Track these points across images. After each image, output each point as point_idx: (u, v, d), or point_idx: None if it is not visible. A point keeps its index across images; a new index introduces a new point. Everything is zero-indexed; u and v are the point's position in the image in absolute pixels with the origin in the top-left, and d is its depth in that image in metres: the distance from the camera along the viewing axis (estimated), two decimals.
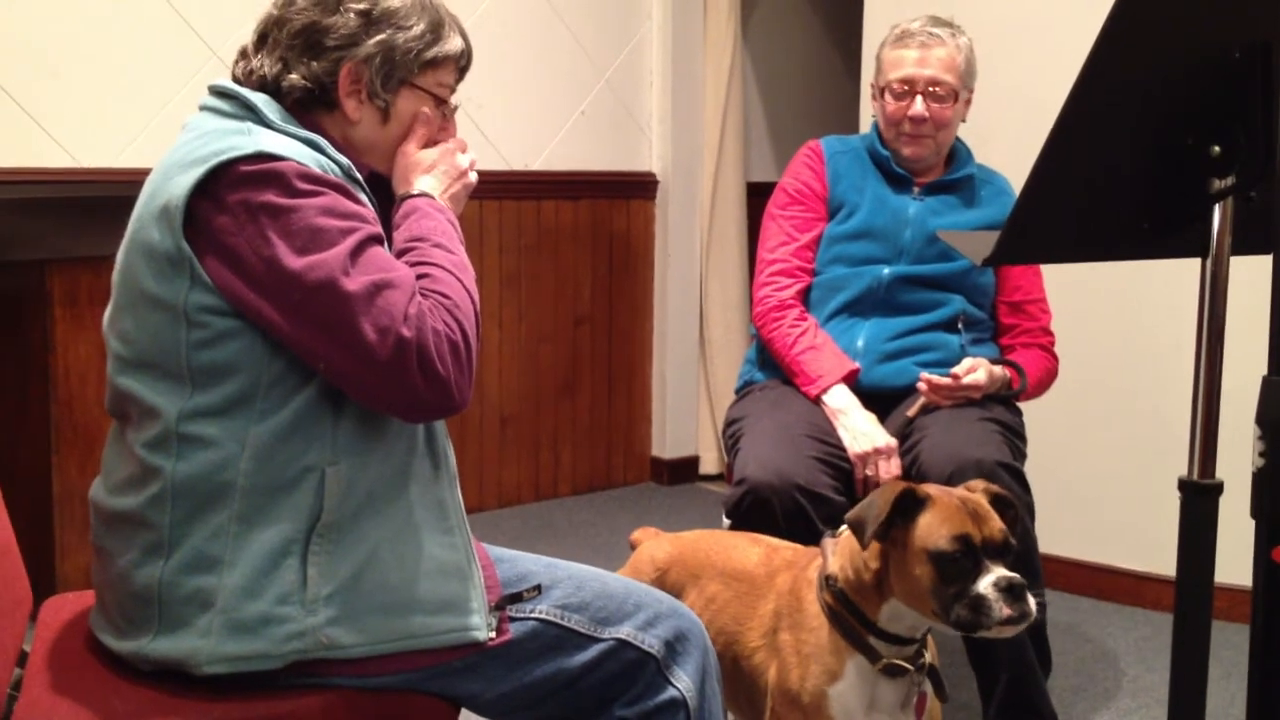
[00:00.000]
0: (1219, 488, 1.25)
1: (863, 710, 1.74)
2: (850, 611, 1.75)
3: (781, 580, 1.88)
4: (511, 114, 4.35)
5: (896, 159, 2.73)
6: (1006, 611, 1.62)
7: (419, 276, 1.46)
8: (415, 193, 1.60)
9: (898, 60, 2.65)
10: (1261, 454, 1.14)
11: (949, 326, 2.67)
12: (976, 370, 2.54)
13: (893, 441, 2.49)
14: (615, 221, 4.73)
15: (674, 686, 1.58)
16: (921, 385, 2.52)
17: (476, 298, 1.51)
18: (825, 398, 2.56)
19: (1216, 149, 1.37)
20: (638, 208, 4.78)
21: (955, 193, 2.73)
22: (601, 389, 4.75)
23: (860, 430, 2.50)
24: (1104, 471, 3.48)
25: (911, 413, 2.54)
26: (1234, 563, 1.71)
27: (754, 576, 1.93)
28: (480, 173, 1.72)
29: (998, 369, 2.59)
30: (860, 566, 1.74)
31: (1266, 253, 1.37)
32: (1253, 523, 1.20)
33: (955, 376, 2.53)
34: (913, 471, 2.46)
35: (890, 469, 2.47)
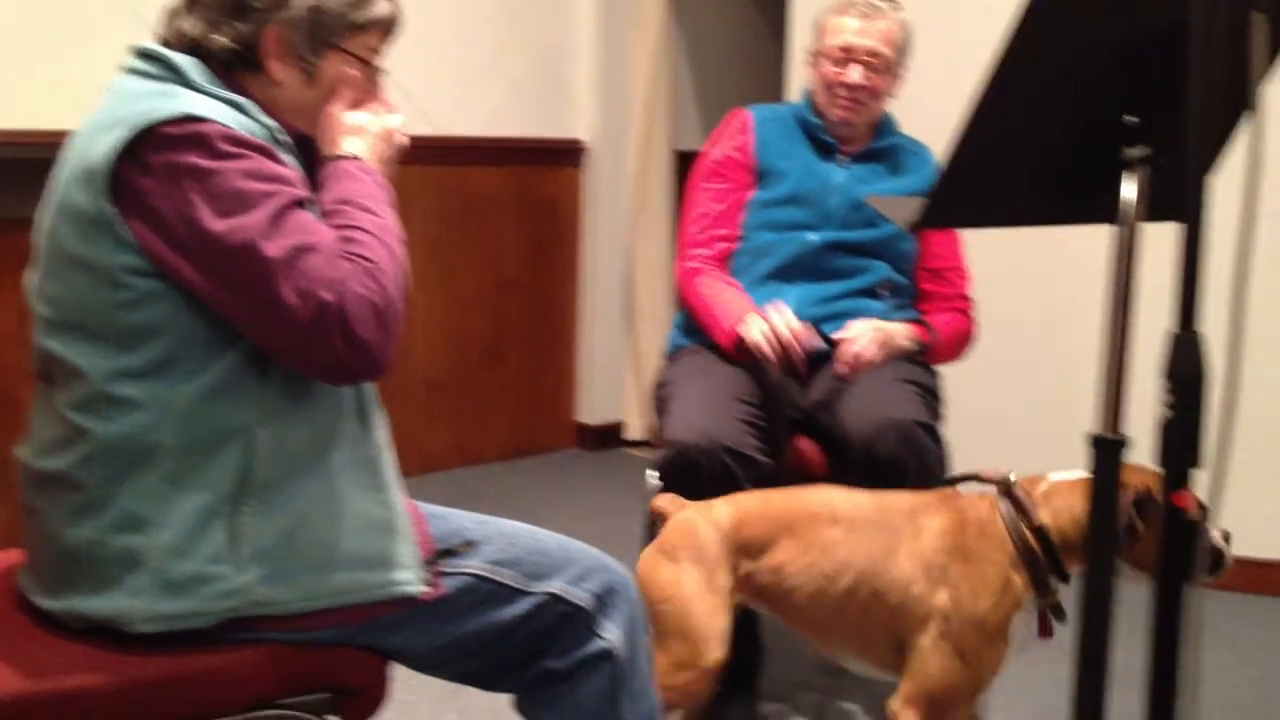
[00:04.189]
0: (1124, 442, 1.30)
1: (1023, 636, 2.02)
2: (1049, 557, 1.98)
3: (936, 520, 2.07)
4: (439, 79, 4.33)
5: (825, 127, 2.76)
6: (1229, 559, 1.92)
7: (343, 240, 1.47)
8: (341, 155, 1.60)
9: (839, 27, 2.69)
10: (1168, 405, 1.19)
11: (874, 293, 2.71)
12: (850, 331, 2.58)
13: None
14: (543, 188, 4.73)
15: (603, 638, 1.62)
16: (842, 369, 2.56)
17: (404, 261, 1.52)
18: (741, 330, 2.57)
19: (1132, 118, 1.42)
20: (565, 175, 4.78)
21: (881, 161, 2.78)
22: (528, 355, 4.76)
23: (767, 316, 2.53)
24: (1021, 431, 3.56)
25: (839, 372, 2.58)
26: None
27: (883, 520, 2.10)
28: (407, 138, 1.72)
29: (898, 326, 2.64)
30: (1080, 530, 1.96)
31: (1178, 220, 1.42)
32: None
33: (838, 344, 2.57)
34: (835, 432, 2.51)
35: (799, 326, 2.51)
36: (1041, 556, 1.99)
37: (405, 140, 1.68)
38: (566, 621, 1.62)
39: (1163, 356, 1.21)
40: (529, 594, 1.61)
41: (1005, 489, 2.05)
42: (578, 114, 4.78)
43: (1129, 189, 1.39)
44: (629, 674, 1.63)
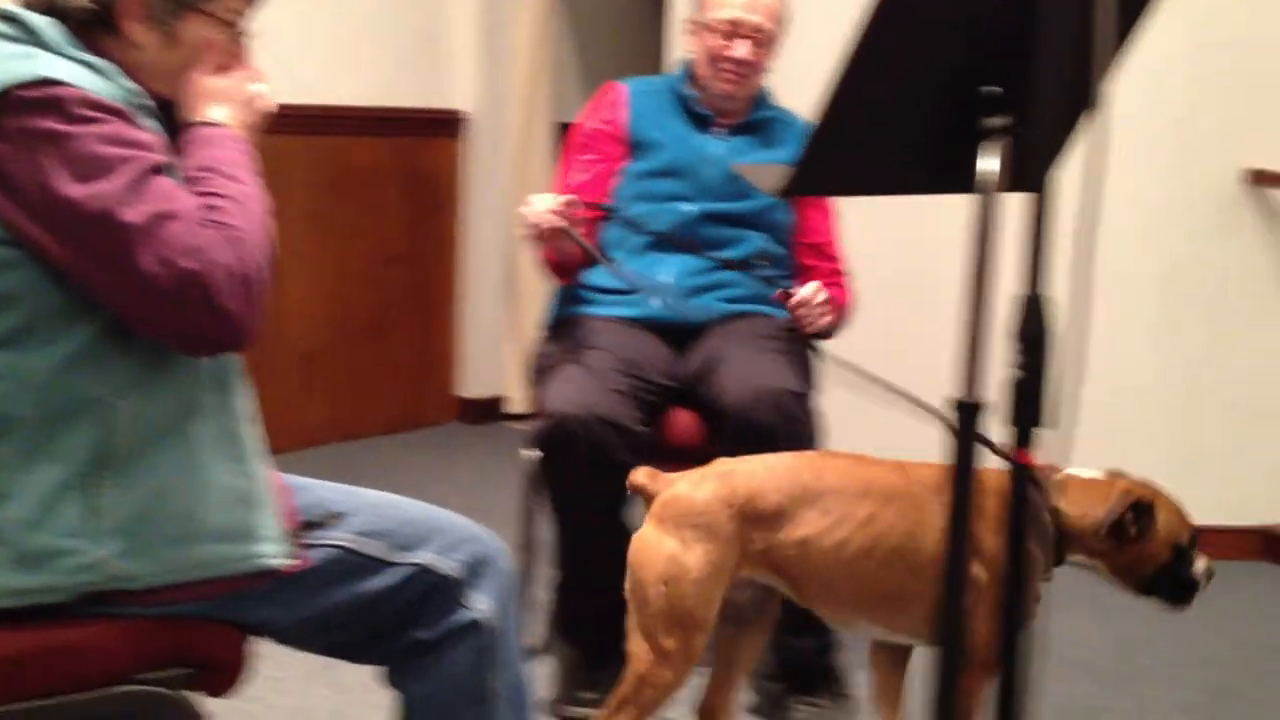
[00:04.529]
0: (981, 406, 1.33)
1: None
2: (1059, 538, 2.07)
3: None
4: (317, 47, 4.26)
5: (701, 99, 2.78)
6: (1207, 591, 2.07)
7: (206, 207, 1.44)
8: (205, 121, 1.56)
9: (724, 0, 2.70)
10: (1018, 365, 1.22)
11: (750, 263, 2.74)
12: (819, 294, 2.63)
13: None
14: (423, 159, 4.69)
15: (473, 609, 1.61)
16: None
17: (269, 229, 1.50)
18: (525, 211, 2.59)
19: (992, 89, 1.45)
20: (446, 146, 4.74)
21: (757, 133, 2.80)
22: (409, 328, 4.72)
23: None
24: (890, 399, 3.62)
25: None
26: None
27: (912, 492, 2.07)
28: (280, 106, 1.69)
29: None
30: (1094, 526, 2.06)
31: (1035, 190, 1.46)
32: None
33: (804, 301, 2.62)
34: (712, 401, 2.53)
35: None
36: (1051, 538, 2.08)
37: (271, 106, 1.65)
38: (435, 592, 1.61)
39: (1011, 319, 1.24)
40: (396, 565, 1.60)
41: (1044, 473, 2.08)
42: (458, 84, 4.73)
43: (988, 159, 1.42)
44: (500, 644, 1.63)
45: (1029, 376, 1.21)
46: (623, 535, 2.59)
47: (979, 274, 1.35)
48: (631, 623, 2.09)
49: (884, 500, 2.07)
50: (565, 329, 2.73)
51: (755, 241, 2.76)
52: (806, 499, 2.07)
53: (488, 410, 4.90)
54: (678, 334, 2.69)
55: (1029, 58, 1.37)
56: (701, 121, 2.79)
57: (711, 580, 2.03)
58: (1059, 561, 2.11)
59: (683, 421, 2.69)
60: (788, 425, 2.43)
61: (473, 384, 4.89)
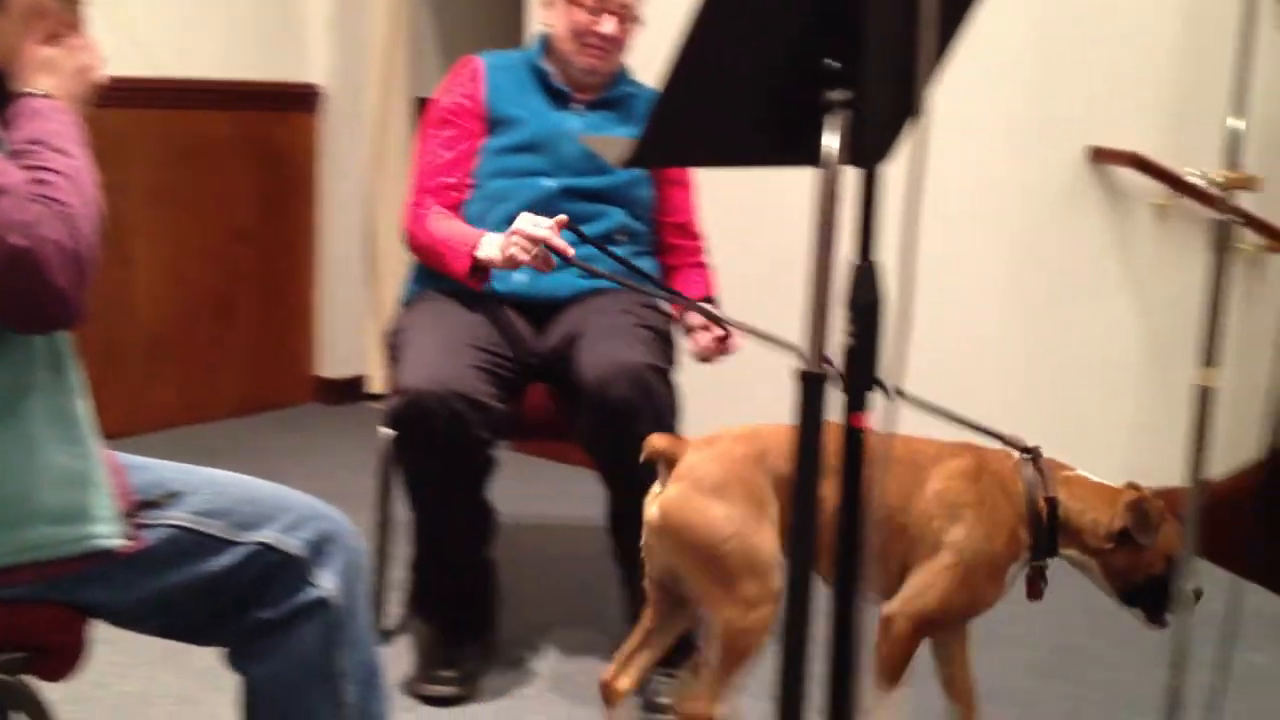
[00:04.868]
0: (827, 377, 1.34)
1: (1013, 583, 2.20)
2: (1049, 528, 2.15)
3: (959, 464, 2.18)
4: (161, 17, 4.12)
5: (561, 74, 2.76)
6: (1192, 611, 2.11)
7: (34, 182, 1.39)
8: (33, 92, 1.51)
9: None
10: (849, 333, 1.23)
11: (610, 239, 2.74)
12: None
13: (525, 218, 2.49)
14: (276, 134, 4.58)
15: (318, 587, 1.58)
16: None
17: (100, 204, 1.45)
18: (479, 252, 2.54)
19: (834, 63, 1.46)
20: (300, 120, 4.64)
21: (615, 109, 2.80)
22: (261, 307, 4.62)
23: (514, 234, 2.47)
24: (752, 374, 3.66)
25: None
26: None
27: (912, 460, 2.19)
28: (122, 78, 1.63)
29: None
30: (1091, 523, 2.15)
31: (877, 163, 1.48)
32: None
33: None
34: (570, 377, 2.53)
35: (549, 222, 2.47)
36: (1044, 524, 2.16)
37: (103, 78, 1.59)
38: (278, 571, 1.58)
39: (846, 287, 1.25)
40: (237, 544, 1.56)
41: (1034, 457, 2.19)
42: (312, 57, 4.63)
43: (830, 132, 1.43)
44: (347, 623, 1.61)
45: (862, 343, 1.23)
46: (481, 512, 2.59)
47: (824, 246, 1.36)
48: (705, 585, 2.11)
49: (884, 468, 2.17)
50: (422, 305, 2.71)
51: (616, 217, 2.76)
52: (823, 465, 2.13)
53: (348, 390, 4.83)
54: (536, 310, 2.68)
55: (863, 30, 1.39)
56: (559, 97, 2.78)
57: (765, 524, 2.10)
58: (1052, 552, 2.19)
59: (541, 397, 2.69)
60: (646, 400, 2.44)
61: (332, 363, 4.81)
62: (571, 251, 2.45)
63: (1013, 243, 3.74)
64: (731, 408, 3.02)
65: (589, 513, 2.67)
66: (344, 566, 1.62)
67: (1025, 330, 3.76)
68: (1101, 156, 3.62)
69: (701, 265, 2.87)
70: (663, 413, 2.46)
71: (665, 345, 2.67)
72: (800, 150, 1.51)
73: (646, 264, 2.76)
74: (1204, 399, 1.84)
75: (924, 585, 2.16)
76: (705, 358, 2.59)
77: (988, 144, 3.67)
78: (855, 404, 1.26)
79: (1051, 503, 2.17)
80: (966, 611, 2.22)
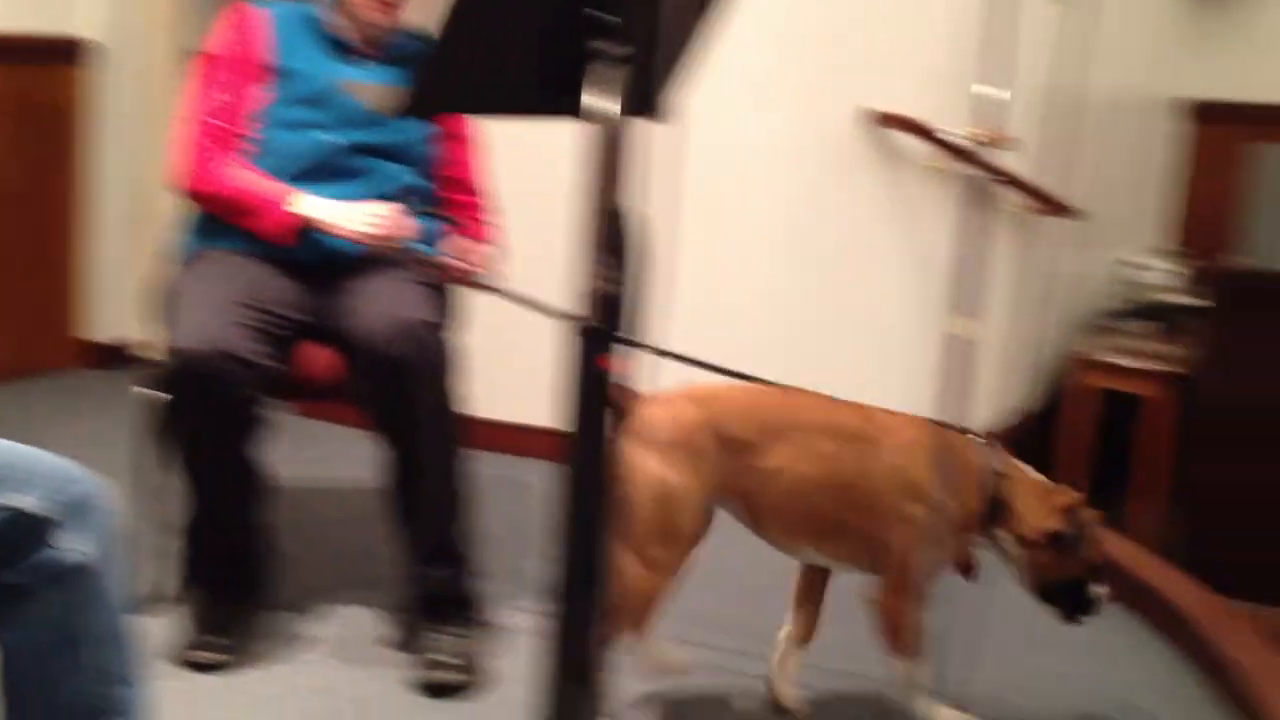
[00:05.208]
0: (611, 335, 1.33)
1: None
2: (995, 506, 2.25)
3: (917, 440, 2.24)
4: None
5: (345, 27, 2.69)
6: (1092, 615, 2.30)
7: None
8: None
9: None
10: (604, 278, 1.23)
11: (395, 197, 2.69)
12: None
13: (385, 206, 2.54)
14: (39, 89, 4.33)
15: (71, 551, 1.52)
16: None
17: None
18: (300, 209, 2.51)
19: (597, 13, 1.45)
20: (66, 74, 4.40)
21: (398, 64, 2.73)
22: (22, 269, 4.37)
23: (359, 213, 2.52)
24: (532, 339, 3.66)
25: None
26: None
27: (868, 434, 2.24)
28: None
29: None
30: (1029, 514, 2.25)
31: (644, 116, 1.49)
32: None
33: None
34: (344, 334, 2.48)
35: (407, 223, 2.53)
36: (991, 501, 2.25)
37: None
38: (26, 534, 1.50)
39: (599, 231, 1.25)
40: None
41: (993, 443, 2.30)
42: (80, 9, 4.40)
43: (593, 83, 1.43)
44: (99, 587, 1.54)
45: (615, 288, 1.23)
46: (251, 473, 2.52)
47: (594, 195, 1.36)
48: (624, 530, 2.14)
49: (845, 439, 2.23)
50: (198, 263, 2.61)
51: (399, 174, 2.70)
52: (777, 432, 2.20)
53: (117, 354, 4.62)
54: (310, 267, 2.61)
55: None
56: (343, 50, 2.70)
57: (699, 496, 2.16)
58: (984, 530, 2.27)
59: (315, 356, 2.63)
60: (422, 357, 2.40)
61: (100, 327, 4.60)
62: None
63: (793, 201, 3.81)
64: (515, 361, 3.03)
65: (369, 475, 2.62)
66: (97, 530, 1.55)
67: (806, 284, 3.85)
68: (878, 119, 3.72)
69: (483, 222, 2.83)
70: (439, 370, 2.43)
71: (443, 302, 2.64)
72: (572, 102, 1.51)
73: (432, 223, 2.72)
74: (961, 348, 1.90)
75: (899, 565, 2.24)
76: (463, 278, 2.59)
77: (767, 105, 3.73)
78: (604, 348, 1.26)
79: (999, 482, 2.26)
80: (942, 570, 2.31)
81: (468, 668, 2.44)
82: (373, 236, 2.50)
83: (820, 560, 2.34)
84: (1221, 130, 4.77)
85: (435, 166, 2.78)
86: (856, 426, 2.27)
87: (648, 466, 2.14)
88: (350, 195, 2.62)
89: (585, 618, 1.41)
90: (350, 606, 2.76)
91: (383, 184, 2.67)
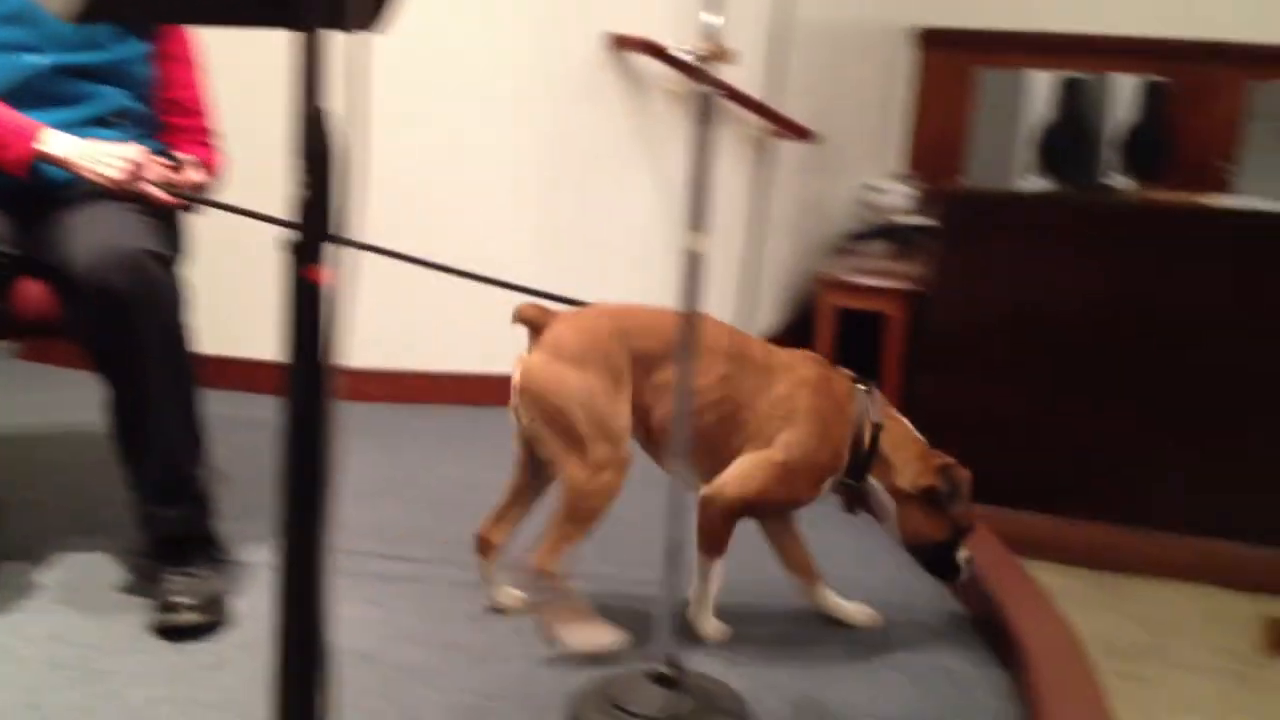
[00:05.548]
0: (315, 244, 1.28)
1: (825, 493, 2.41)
2: (869, 454, 2.36)
3: (805, 373, 2.37)
4: None
5: None
6: (958, 580, 2.48)
7: None
8: None
9: None
10: (303, 184, 1.19)
11: (107, 121, 2.55)
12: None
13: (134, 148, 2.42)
14: None
15: None
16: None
17: None
18: (45, 146, 2.37)
19: None
20: None
21: None
22: None
23: (105, 153, 2.39)
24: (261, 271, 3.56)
25: None
26: None
27: (765, 364, 2.37)
28: None
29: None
30: (903, 465, 2.38)
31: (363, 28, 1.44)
32: None
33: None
34: (63, 267, 2.35)
35: (155, 169, 2.44)
36: (865, 449, 2.36)
37: None
38: None
39: (293, 135, 1.20)
40: None
41: (868, 388, 2.41)
42: None
43: None
44: None
45: (315, 193, 1.18)
46: None
47: (297, 103, 1.30)
48: (557, 447, 2.25)
49: (742, 365, 2.34)
50: None
51: (113, 98, 2.57)
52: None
53: None
54: (23, 199, 2.45)
55: None
56: None
57: (620, 397, 2.25)
58: (861, 477, 2.38)
59: (31, 292, 2.48)
60: (145, 289, 2.29)
61: None
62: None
63: (539, 125, 3.80)
64: (243, 295, 2.91)
65: (94, 418, 2.50)
66: None
67: (555, 207, 3.85)
68: (620, 43, 3.73)
69: (206, 145, 2.71)
70: (164, 302, 2.32)
71: (171, 232, 2.53)
72: (274, 9, 1.45)
73: (151, 148, 2.58)
74: (693, 262, 1.93)
75: (746, 474, 2.33)
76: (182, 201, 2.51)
77: (510, 31, 3.69)
78: (310, 256, 1.22)
79: (876, 431, 2.36)
80: (779, 505, 2.41)
81: (207, 608, 2.36)
82: (120, 181, 2.36)
83: (690, 481, 2.40)
84: (950, 56, 4.96)
85: (154, 88, 2.65)
86: (755, 355, 2.38)
87: (569, 378, 2.23)
88: (65, 121, 2.47)
89: (310, 549, 1.37)
90: (83, 553, 2.64)
91: (98, 108, 2.54)
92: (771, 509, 2.43)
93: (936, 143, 5.16)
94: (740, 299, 3.98)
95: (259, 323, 3.25)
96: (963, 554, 2.44)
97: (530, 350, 2.29)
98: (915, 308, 4.20)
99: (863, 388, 2.42)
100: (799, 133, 4.18)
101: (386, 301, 3.79)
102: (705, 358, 2.32)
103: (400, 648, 2.32)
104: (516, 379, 2.28)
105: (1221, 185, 3.69)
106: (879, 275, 4.41)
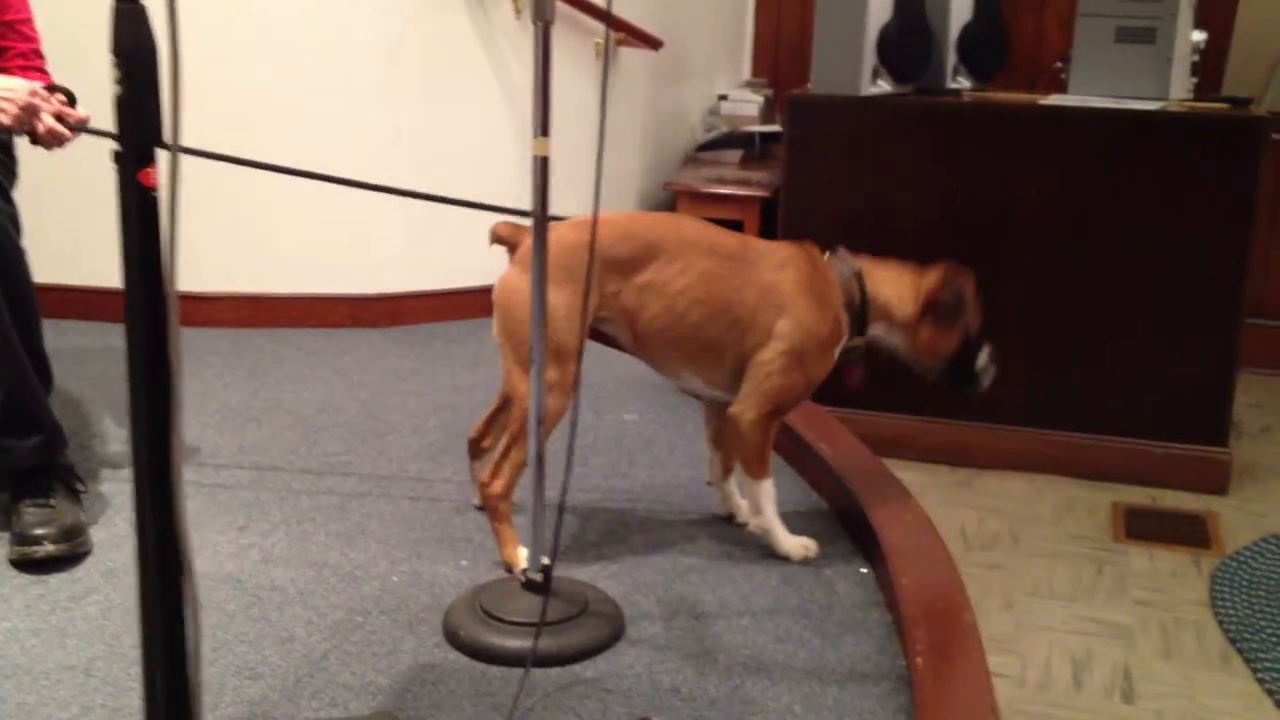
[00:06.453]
0: (140, 145, 1.25)
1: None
2: (863, 306, 2.41)
3: (785, 256, 2.40)
4: None
5: None
6: (986, 384, 2.51)
7: None
8: None
9: None
10: (118, 81, 1.17)
11: None
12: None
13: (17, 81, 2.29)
14: None
15: None
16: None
17: None
18: None
19: None
20: None
21: None
22: None
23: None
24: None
25: None
26: None
27: (744, 255, 2.38)
28: None
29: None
30: (897, 298, 2.43)
31: None
32: None
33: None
34: None
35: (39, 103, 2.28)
36: (858, 304, 2.41)
37: None
38: None
39: (109, 32, 1.18)
40: None
41: (840, 250, 2.44)
42: None
43: None
44: None
45: (135, 94, 1.17)
46: None
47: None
48: (510, 362, 2.29)
49: (722, 258, 2.35)
50: None
51: None
52: (659, 250, 2.33)
53: None
54: None
55: None
56: None
57: (576, 317, 2.24)
58: (861, 331, 2.41)
59: None
60: None
61: None
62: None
63: (384, 43, 3.75)
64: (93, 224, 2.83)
65: None
66: None
67: (404, 124, 3.82)
68: None
69: (31, 70, 2.62)
70: (2, 233, 2.26)
71: (6, 158, 2.45)
72: None
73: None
74: (540, 166, 1.95)
75: (761, 377, 2.35)
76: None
77: None
78: (139, 160, 1.20)
79: (860, 282, 2.41)
80: (803, 391, 2.42)
81: (66, 538, 2.33)
82: (18, 120, 2.24)
83: (696, 385, 2.44)
84: None
85: None
86: (733, 247, 2.39)
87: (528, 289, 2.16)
88: None
89: (165, 469, 1.36)
90: None
91: None
92: (797, 398, 2.43)
93: (786, 51, 5.21)
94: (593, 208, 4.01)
95: (100, 250, 3.20)
96: (982, 359, 2.49)
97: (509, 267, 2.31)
98: (768, 214, 4.27)
99: (830, 252, 2.46)
100: (647, 41, 4.19)
101: (233, 224, 3.74)
102: (683, 256, 2.34)
103: (269, 569, 2.33)
104: (493, 296, 2.31)
105: (1059, 85, 3.80)
106: (732, 184, 4.47)
